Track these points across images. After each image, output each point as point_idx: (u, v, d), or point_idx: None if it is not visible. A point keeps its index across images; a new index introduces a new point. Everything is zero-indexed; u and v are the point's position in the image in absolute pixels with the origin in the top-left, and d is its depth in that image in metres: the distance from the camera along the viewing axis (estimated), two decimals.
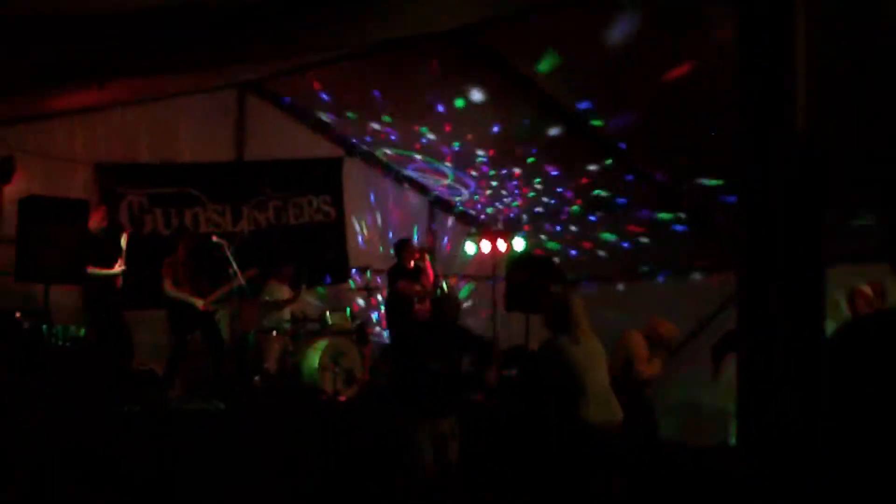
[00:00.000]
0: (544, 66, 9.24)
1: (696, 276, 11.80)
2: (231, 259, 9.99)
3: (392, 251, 12.10)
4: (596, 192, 11.86)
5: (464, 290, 13.89)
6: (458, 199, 13.82)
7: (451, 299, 8.30)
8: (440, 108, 10.83)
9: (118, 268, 9.67)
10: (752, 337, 3.31)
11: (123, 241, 9.80)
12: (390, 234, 13.28)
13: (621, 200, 11.84)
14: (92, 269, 9.33)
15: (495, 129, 11.04)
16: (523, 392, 9.90)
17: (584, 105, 9.87)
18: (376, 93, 10.94)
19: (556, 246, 13.45)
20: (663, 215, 11.65)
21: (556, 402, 7.39)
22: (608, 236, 12.63)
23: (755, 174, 3.29)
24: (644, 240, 12.28)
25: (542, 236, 13.51)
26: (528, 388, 9.30)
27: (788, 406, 3.19)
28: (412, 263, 11.68)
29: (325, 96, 11.65)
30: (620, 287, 13.13)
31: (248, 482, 7.82)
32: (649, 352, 8.59)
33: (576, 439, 7.20)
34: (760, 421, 3.33)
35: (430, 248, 13.36)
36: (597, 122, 10.11)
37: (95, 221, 9.62)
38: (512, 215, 13.54)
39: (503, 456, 8.96)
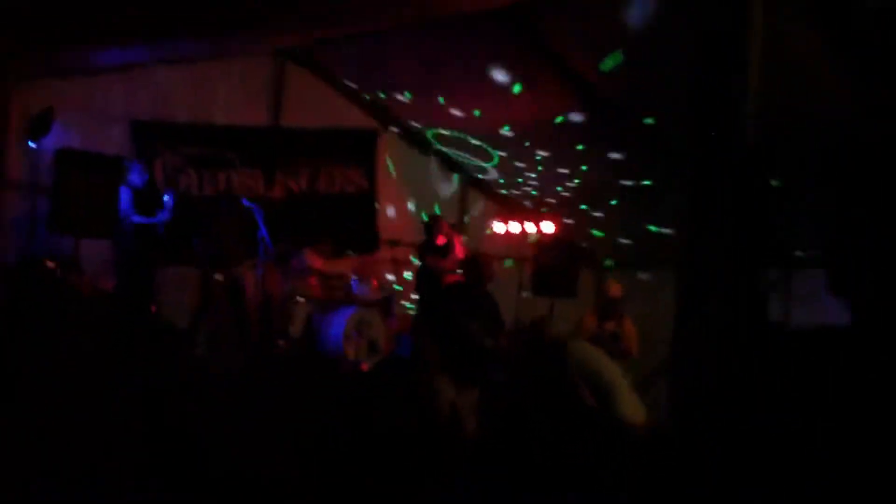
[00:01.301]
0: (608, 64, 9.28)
1: None
2: (261, 224, 10.05)
3: (423, 226, 12.15)
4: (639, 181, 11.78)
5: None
6: (492, 178, 13.79)
7: (482, 262, 8.21)
8: (483, 89, 10.82)
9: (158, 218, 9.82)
10: (689, 333, 3.33)
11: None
12: (420, 210, 13.30)
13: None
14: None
15: (537, 114, 11.00)
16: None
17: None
18: (417, 68, 10.95)
19: (599, 234, 13.34)
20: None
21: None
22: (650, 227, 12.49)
23: (701, 173, 3.32)
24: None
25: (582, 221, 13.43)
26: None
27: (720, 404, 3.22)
28: (442, 240, 11.73)
29: (364, 68, 11.67)
30: (646, 276, 12.97)
31: (262, 444, 7.90)
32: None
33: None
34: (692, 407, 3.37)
35: (460, 226, 13.40)
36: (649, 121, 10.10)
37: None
38: (547, 199, 13.49)
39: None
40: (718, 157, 3.34)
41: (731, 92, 3.39)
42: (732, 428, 3.27)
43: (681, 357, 3.47)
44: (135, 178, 9.83)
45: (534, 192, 13.57)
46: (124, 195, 9.53)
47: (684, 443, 3.47)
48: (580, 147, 11.37)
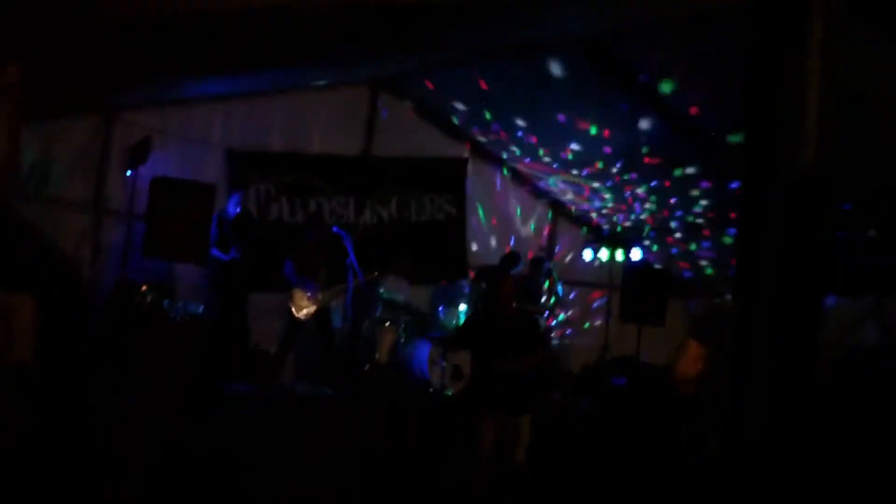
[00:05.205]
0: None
1: None
2: (350, 251, 10.18)
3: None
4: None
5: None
6: (584, 208, 13.78)
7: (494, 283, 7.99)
8: (572, 118, 10.88)
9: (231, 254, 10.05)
10: (741, 365, 3.23)
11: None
12: (512, 238, 13.41)
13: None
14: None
15: (625, 143, 11.03)
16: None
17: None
18: (507, 98, 11.04)
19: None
20: None
21: None
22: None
23: (757, 200, 3.20)
24: None
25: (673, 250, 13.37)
26: None
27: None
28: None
29: (455, 98, 11.77)
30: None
31: (346, 466, 8.02)
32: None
33: None
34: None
35: (550, 254, 13.51)
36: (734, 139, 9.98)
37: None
38: (633, 226, 13.45)
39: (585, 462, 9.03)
40: (772, 180, 3.20)
41: (787, 112, 3.26)
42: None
43: (729, 396, 3.39)
44: (230, 208, 10.17)
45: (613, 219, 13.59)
46: (213, 225, 9.77)
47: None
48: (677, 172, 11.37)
